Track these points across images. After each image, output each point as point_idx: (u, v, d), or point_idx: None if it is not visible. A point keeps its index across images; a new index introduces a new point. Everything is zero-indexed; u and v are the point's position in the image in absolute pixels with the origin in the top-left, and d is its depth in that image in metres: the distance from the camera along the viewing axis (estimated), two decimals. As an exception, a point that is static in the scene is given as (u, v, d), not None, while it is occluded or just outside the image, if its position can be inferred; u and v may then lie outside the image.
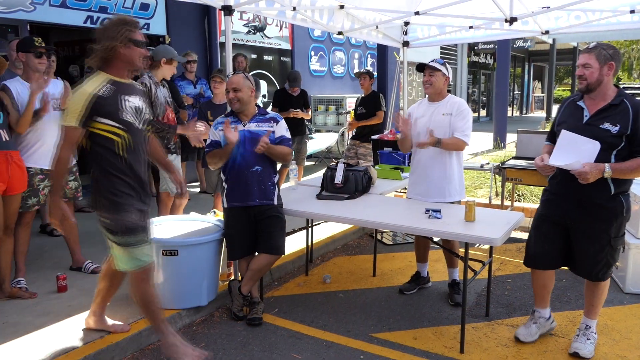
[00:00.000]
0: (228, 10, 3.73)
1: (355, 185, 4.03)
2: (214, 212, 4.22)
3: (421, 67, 3.85)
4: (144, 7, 7.39)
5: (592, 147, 2.88)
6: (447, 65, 3.87)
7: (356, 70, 12.87)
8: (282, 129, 3.64)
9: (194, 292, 3.63)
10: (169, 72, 4.31)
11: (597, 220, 3.02)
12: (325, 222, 4.48)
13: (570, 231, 3.14)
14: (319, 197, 4.07)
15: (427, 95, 3.95)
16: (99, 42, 2.67)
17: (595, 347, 3.22)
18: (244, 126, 3.54)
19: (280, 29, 10.32)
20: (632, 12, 4.79)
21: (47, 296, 3.77)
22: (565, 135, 3.00)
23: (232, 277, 4.06)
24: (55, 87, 3.98)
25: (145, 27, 7.45)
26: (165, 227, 3.84)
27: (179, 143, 4.51)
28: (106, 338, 3.16)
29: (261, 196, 3.57)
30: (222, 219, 4.01)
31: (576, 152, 2.92)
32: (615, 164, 2.88)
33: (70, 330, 3.26)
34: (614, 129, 2.89)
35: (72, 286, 3.91)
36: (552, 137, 3.24)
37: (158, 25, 7.65)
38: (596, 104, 3.00)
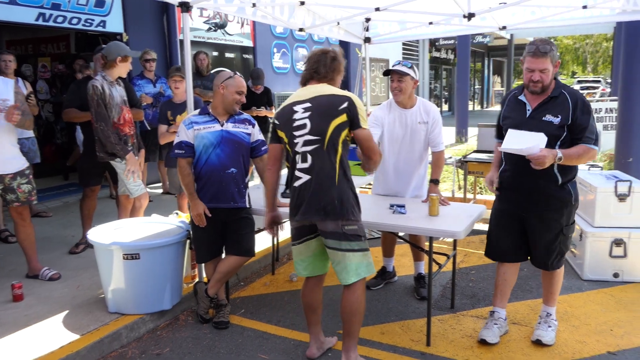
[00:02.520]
0: (186, 6, 3.65)
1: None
2: (177, 214, 4.14)
3: (388, 72, 3.73)
4: (100, 3, 7.17)
5: (540, 139, 2.95)
6: (415, 67, 3.78)
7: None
8: (257, 132, 3.64)
9: (158, 296, 3.55)
10: (125, 70, 4.17)
11: (549, 209, 3.12)
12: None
13: (525, 222, 3.21)
14: (284, 195, 4.02)
15: (392, 97, 3.90)
16: (326, 66, 2.96)
17: (556, 334, 3.31)
18: (222, 126, 3.46)
19: (242, 26, 10.20)
20: (584, 7, 4.91)
21: (2, 306, 3.62)
22: (512, 132, 3.07)
23: (197, 279, 3.99)
24: (5, 86, 3.79)
25: (101, 24, 7.24)
26: (126, 230, 3.74)
27: (136, 144, 4.39)
28: (65, 347, 3.06)
29: (235, 198, 3.51)
30: (186, 220, 3.94)
31: (526, 145, 2.97)
32: (565, 150, 2.96)
33: (27, 341, 3.14)
34: (556, 120, 2.98)
35: (28, 295, 3.77)
36: (500, 133, 3.31)
37: (115, 23, 7.44)
38: (537, 98, 3.08)
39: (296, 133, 2.87)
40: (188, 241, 3.75)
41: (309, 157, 2.84)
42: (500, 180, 3.27)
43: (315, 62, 2.96)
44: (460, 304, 3.89)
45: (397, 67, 3.68)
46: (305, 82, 3.03)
